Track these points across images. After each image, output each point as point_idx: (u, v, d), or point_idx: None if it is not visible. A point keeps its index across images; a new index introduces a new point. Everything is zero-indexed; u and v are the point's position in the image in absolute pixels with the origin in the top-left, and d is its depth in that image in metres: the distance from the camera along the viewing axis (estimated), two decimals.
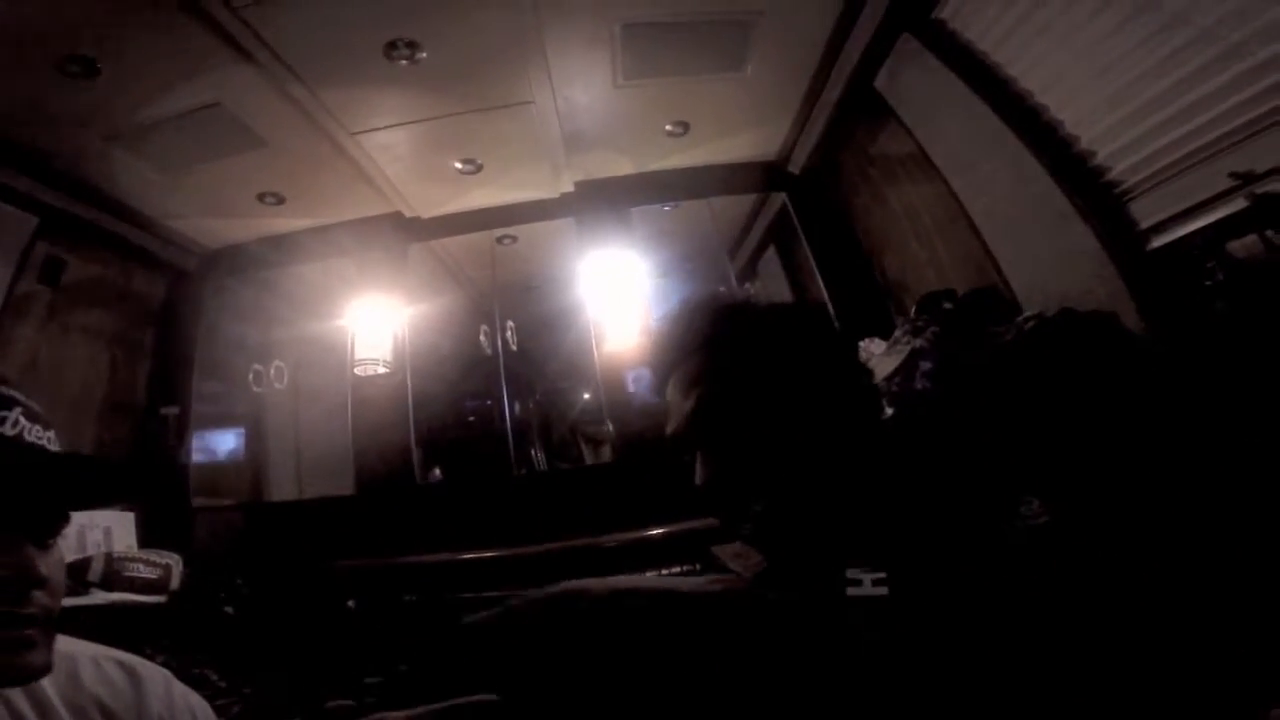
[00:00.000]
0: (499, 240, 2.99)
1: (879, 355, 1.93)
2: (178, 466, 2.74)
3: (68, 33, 1.71)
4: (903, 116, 2.12)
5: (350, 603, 2.12)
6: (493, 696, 0.62)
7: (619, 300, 2.77)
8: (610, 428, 3.03)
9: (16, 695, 0.61)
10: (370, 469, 2.76)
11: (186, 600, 2.18)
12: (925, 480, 0.71)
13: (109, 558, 2.14)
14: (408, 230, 2.82)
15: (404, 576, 2.23)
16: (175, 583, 2.26)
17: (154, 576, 2.25)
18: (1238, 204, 1.31)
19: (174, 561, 2.31)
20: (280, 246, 2.87)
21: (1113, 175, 1.56)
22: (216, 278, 2.96)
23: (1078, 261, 1.61)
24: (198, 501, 2.72)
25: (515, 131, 2.33)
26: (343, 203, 2.67)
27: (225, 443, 3.08)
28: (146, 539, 2.41)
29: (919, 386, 1.82)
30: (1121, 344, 1.41)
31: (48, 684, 0.63)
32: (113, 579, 2.15)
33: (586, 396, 3.46)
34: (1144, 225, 1.52)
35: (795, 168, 2.77)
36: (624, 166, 2.67)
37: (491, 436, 3.31)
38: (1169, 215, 1.47)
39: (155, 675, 0.72)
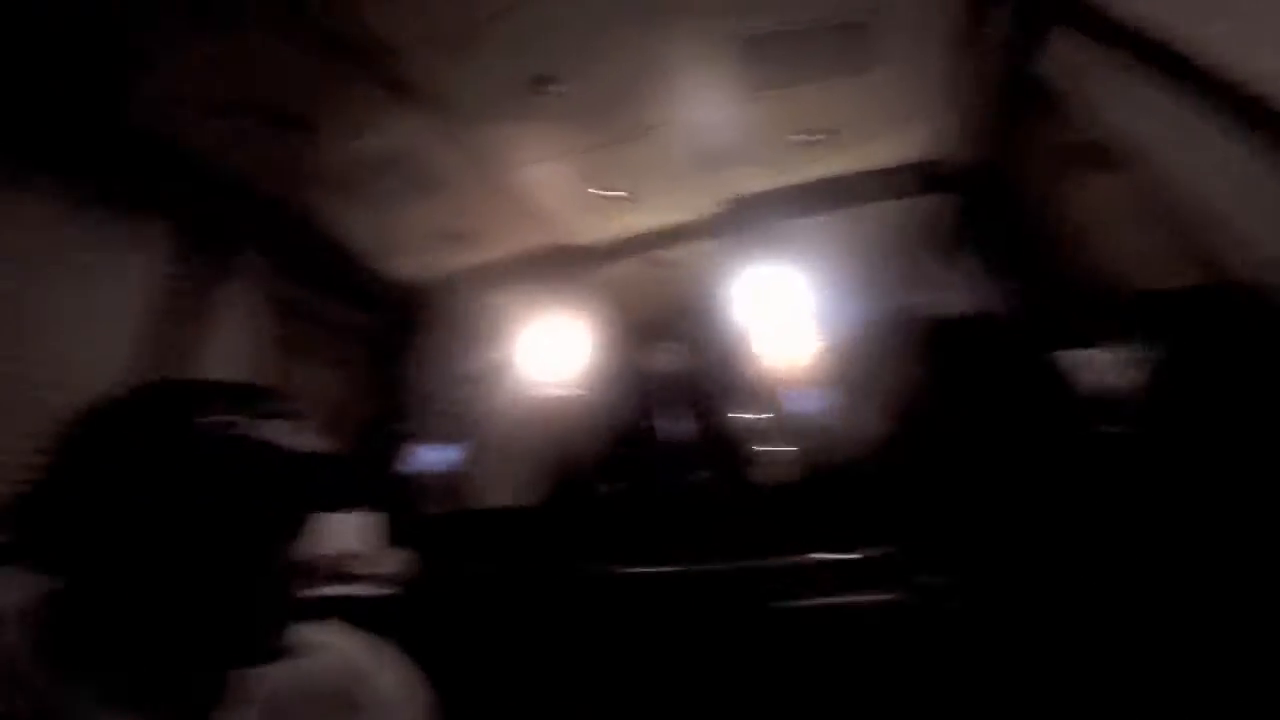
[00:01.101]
0: (658, 264, 3.07)
1: (1093, 365, 1.68)
2: (402, 476, 3.14)
3: (283, 94, 2.05)
4: (1075, 102, 1.86)
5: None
6: None
7: (781, 317, 2.71)
8: (779, 448, 2.96)
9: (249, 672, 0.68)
10: (556, 482, 2.97)
11: (408, 595, 2.45)
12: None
13: (344, 554, 2.44)
14: (575, 258, 3.00)
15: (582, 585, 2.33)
16: (401, 578, 2.56)
17: (385, 572, 2.58)
18: None
19: (398, 560, 2.63)
20: (468, 279, 3.18)
21: None
22: (421, 309, 3.34)
23: None
24: (421, 509, 3.07)
25: (656, 157, 2.40)
26: (514, 236, 2.89)
27: (437, 456, 3.46)
28: (377, 540, 2.76)
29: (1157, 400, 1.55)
30: None
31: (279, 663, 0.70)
32: (346, 574, 2.46)
33: (754, 416, 3.41)
34: None
35: (955, 167, 2.56)
36: (766, 181, 2.63)
37: (660, 455, 3.39)
38: None
39: (383, 659, 0.79)
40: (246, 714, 0.66)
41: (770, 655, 1.86)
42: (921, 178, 2.66)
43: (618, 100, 2.15)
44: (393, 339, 3.32)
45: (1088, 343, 1.70)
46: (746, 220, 2.71)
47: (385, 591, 2.35)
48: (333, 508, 0.68)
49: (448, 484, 3.31)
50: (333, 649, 0.75)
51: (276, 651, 0.63)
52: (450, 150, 2.32)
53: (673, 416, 3.42)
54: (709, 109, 2.20)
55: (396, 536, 2.70)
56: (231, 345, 2.60)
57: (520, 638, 2.16)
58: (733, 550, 2.28)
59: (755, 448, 3.20)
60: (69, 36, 1.82)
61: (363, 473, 3.00)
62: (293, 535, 0.62)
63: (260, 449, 0.59)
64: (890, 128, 2.44)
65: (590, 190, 2.58)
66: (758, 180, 2.61)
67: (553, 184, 2.53)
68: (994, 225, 2.45)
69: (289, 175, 2.45)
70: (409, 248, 2.98)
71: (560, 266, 2.99)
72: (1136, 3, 1.56)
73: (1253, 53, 1.36)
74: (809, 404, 2.80)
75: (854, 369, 2.64)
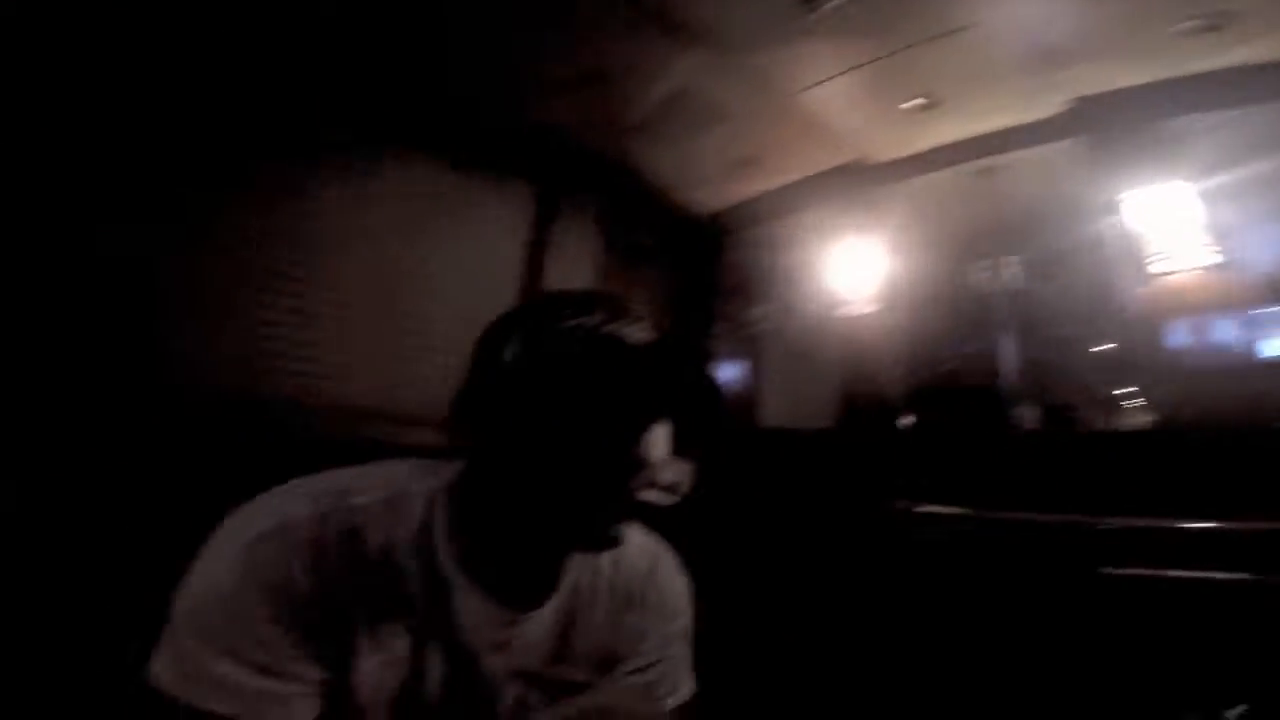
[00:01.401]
0: (980, 173, 2.65)
1: None
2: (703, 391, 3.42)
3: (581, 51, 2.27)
4: None
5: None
6: None
7: (1155, 231, 2.17)
8: (1134, 390, 2.42)
9: (585, 558, 0.76)
10: (850, 407, 2.92)
11: (690, 505, 2.72)
12: None
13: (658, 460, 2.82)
14: (874, 176, 2.77)
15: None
16: (687, 489, 2.86)
17: (674, 481, 2.90)
18: None
19: (689, 470, 2.93)
20: (763, 204, 3.18)
21: None
22: (718, 237, 3.48)
23: None
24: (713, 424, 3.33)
25: (966, 59, 2.06)
26: (808, 158, 2.78)
27: (729, 373, 3.66)
28: (673, 450, 3.10)
29: None
30: None
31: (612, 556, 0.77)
32: (652, 479, 2.85)
33: (1104, 348, 2.82)
34: None
35: None
36: (1127, 77, 2.05)
37: (973, 387, 3.05)
38: None
39: (668, 561, 0.85)
40: (556, 602, 0.73)
41: (1089, 627, 1.62)
42: None
43: (904, 6, 1.91)
44: (696, 264, 3.54)
45: None
46: (1100, 121, 2.17)
47: (674, 499, 2.62)
48: (682, 411, 0.69)
49: (739, 402, 3.49)
50: (634, 548, 0.81)
51: (608, 545, 0.67)
52: (730, 81, 2.32)
53: (993, 343, 3.01)
54: (1029, 4, 1.83)
55: (684, 447, 2.98)
56: (576, 280, 3.07)
57: (800, 564, 2.22)
58: (1052, 502, 2.01)
59: (1096, 387, 2.65)
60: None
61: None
62: (644, 431, 0.65)
63: (624, 346, 0.63)
64: None
65: (887, 102, 2.34)
66: (1114, 76, 2.08)
67: (841, 101, 2.37)
68: None
69: (602, 125, 2.72)
70: (707, 179, 3.09)
71: (859, 184, 2.80)
72: None
73: None
74: (1188, 338, 2.21)
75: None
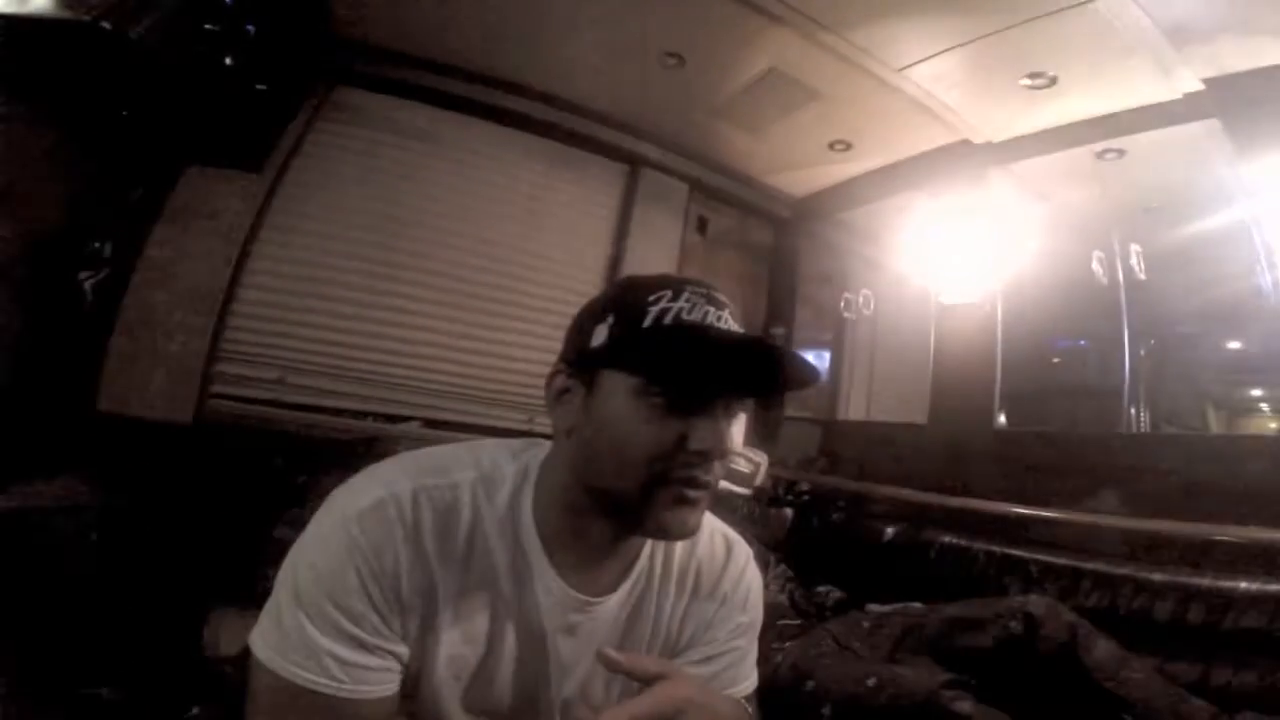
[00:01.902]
0: (1100, 155, 2.46)
1: None
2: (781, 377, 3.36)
3: (662, 34, 2.27)
4: None
5: (889, 531, 2.21)
6: None
7: None
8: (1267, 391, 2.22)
9: (658, 546, 0.75)
10: (945, 402, 2.77)
11: (763, 497, 2.68)
12: None
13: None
14: (981, 156, 2.61)
15: (945, 517, 2.20)
16: (760, 479, 2.76)
17: (748, 471, 2.79)
18: None
19: (763, 461, 2.83)
20: (855, 188, 3.07)
21: None
22: (806, 221, 3.39)
23: None
24: (788, 412, 3.27)
25: (1086, 35, 1.89)
26: (906, 140, 2.66)
27: (816, 363, 3.58)
28: (747, 438, 3.04)
29: None
30: None
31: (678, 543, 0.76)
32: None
33: (1235, 346, 2.60)
34: None
35: None
36: (1271, 54, 1.84)
37: (1081, 385, 2.86)
38: None
39: (742, 554, 0.83)
40: (628, 587, 0.74)
41: None
42: None
43: None
44: (782, 250, 3.47)
45: None
46: (1248, 100, 1.94)
47: (748, 489, 2.59)
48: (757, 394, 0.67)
49: (821, 392, 3.39)
50: (709, 537, 0.80)
51: (689, 530, 0.66)
52: (821, 60, 2.24)
53: (1121, 339, 2.79)
54: None
55: (761, 435, 2.93)
56: (662, 261, 3.09)
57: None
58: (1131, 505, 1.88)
59: (1219, 389, 2.44)
60: None
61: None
62: (731, 419, 0.64)
63: (712, 328, 0.63)
64: None
65: (997, 79, 2.19)
66: (1250, 54, 1.87)
67: (946, 80, 2.23)
68: None
69: (690, 105, 2.71)
70: (798, 162, 3.02)
71: (965, 165, 2.64)
72: None
73: None
74: None
75: None
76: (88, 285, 1.99)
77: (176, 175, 2.21)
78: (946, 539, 2.06)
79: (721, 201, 3.31)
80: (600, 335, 0.64)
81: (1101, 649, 1.44)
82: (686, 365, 0.61)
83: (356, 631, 0.60)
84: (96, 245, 2.01)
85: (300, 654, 0.59)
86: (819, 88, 2.43)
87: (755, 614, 0.83)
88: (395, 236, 2.64)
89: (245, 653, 0.62)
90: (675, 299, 0.63)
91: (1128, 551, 1.77)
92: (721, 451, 0.62)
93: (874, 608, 1.87)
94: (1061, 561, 1.80)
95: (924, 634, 1.53)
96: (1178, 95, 2.11)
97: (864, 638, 1.60)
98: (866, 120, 2.59)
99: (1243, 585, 1.50)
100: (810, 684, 1.49)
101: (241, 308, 2.36)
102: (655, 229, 3.13)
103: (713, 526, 0.81)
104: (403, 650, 0.63)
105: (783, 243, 3.45)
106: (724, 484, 2.63)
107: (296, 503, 1.97)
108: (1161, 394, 2.70)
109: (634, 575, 0.73)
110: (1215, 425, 2.50)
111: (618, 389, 0.62)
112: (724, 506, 2.35)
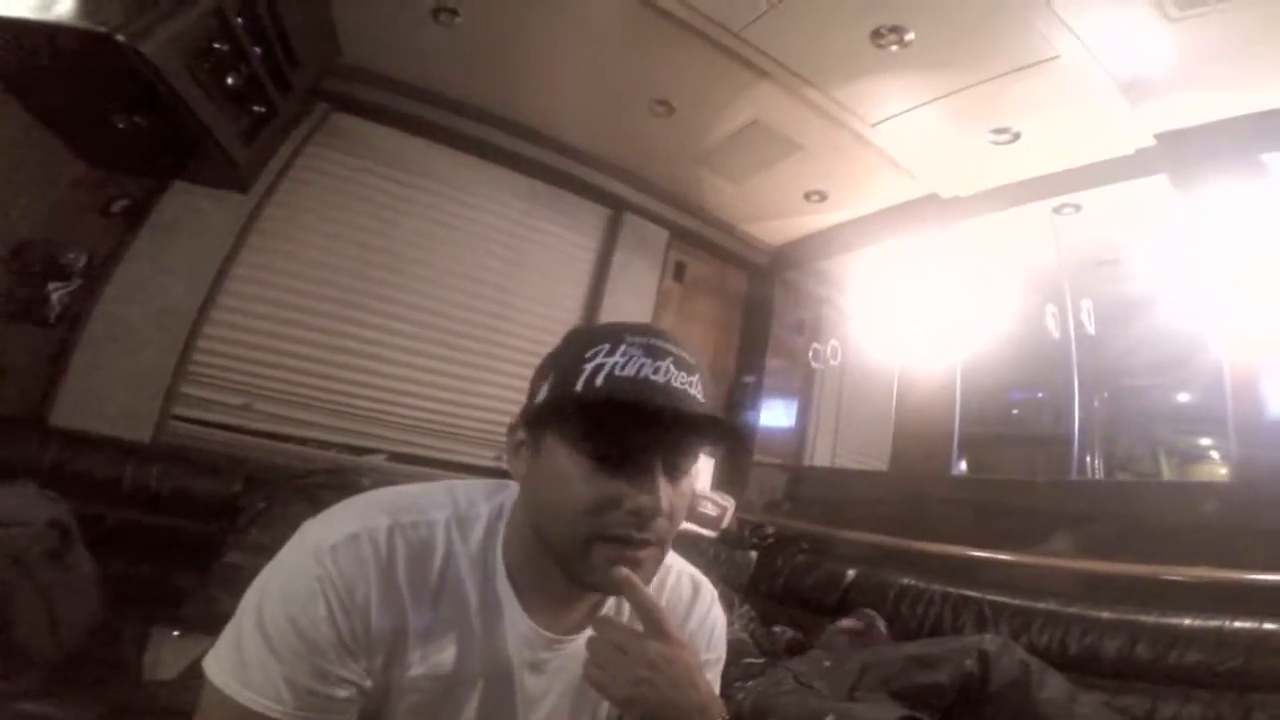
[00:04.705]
0: (1057, 210, 2.60)
1: None
2: (749, 427, 3.40)
3: (655, 82, 2.38)
4: None
5: (850, 573, 2.23)
6: None
7: (1242, 271, 2.07)
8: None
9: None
10: (907, 450, 2.84)
11: (729, 539, 2.70)
12: None
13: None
14: (947, 210, 2.74)
15: (905, 560, 2.24)
16: (726, 522, 2.79)
17: (714, 514, 2.81)
18: None
19: (730, 505, 2.84)
20: (828, 238, 3.18)
21: None
22: (781, 270, 3.49)
23: None
24: (756, 458, 3.31)
25: (1047, 92, 2.02)
26: (877, 192, 2.78)
27: (781, 410, 3.63)
28: (715, 482, 3.07)
29: None
30: None
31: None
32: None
33: (1183, 399, 2.70)
34: None
35: None
36: (1223, 109, 1.98)
37: (1037, 434, 2.95)
38: None
39: (707, 594, 0.85)
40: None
41: None
42: None
43: (980, 40, 1.92)
44: (756, 298, 3.55)
45: None
46: (1196, 155, 2.08)
47: (714, 532, 2.60)
48: (705, 449, 0.69)
49: (789, 439, 3.44)
50: (676, 578, 0.82)
51: (606, 587, 0.66)
52: (802, 114, 2.36)
53: (1071, 389, 2.89)
54: (1114, 34, 1.81)
55: (733, 481, 2.97)
56: (639, 305, 3.18)
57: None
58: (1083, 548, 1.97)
59: (1170, 438, 2.53)
60: None
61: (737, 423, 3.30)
62: (671, 476, 0.65)
63: (645, 383, 0.62)
64: None
65: (963, 135, 2.34)
66: (1210, 108, 2.01)
67: (917, 134, 2.37)
68: None
69: (674, 153, 2.82)
70: (775, 212, 3.13)
71: (935, 218, 2.77)
72: None
73: None
74: None
75: None
76: (55, 297, 1.99)
77: (163, 189, 2.22)
78: (905, 580, 2.08)
79: (700, 248, 3.40)
80: (543, 393, 0.66)
81: (1052, 686, 1.46)
82: (611, 430, 0.62)
83: (319, 662, 0.60)
84: (71, 256, 2.01)
85: (259, 680, 0.59)
86: (798, 140, 2.54)
87: (720, 652, 0.84)
88: (374, 266, 2.66)
89: (185, 676, 0.61)
90: (611, 353, 0.63)
91: (1078, 591, 1.81)
92: (656, 512, 0.63)
93: (844, 623, 1.91)
94: (1015, 602, 1.83)
95: (882, 672, 1.53)
96: (1131, 150, 2.24)
97: (824, 676, 1.60)
98: (842, 173, 2.71)
99: (1186, 622, 1.55)
100: None
101: (213, 330, 2.35)
102: (634, 273, 3.21)
103: (680, 568, 0.83)
104: (366, 684, 0.63)
105: (757, 290, 3.54)
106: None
107: (251, 529, 1.94)
108: (1116, 442, 2.79)
109: (602, 614, 0.74)
110: (1167, 472, 2.57)
111: (558, 448, 0.64)
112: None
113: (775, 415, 3.56)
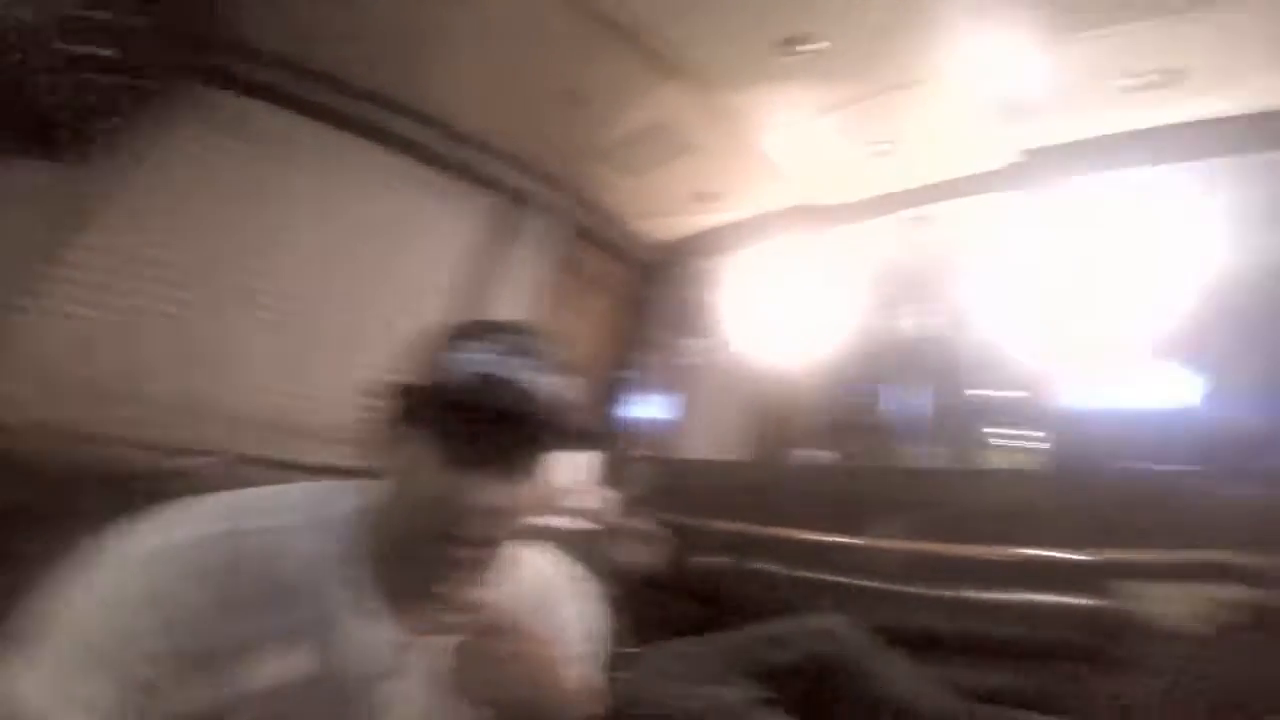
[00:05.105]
0: (919, 220, 2.85)
1: None
2: (629, 421, 3.46)
3: (563, 72, 2.32)
4: None
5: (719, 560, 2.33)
6: None
7: (1066, 286, 2.35)
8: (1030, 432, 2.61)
9: (494, 585, 0.73)
10: (767, 441, 3.01)
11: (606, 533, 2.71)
12: None
13: (565, 488, 2.61)
14: (825, 216, 2.92)
15: (767, 546, 2.37)
16: (604, 516, 2.77)
17: (591, 508, 2.80)
18: None
19: (607, 497, 2.87)
20: (715, 239, 3.29)
21: None
22: (667, 268, 3.56)
23: None
24: (637, 452, 3.36)
25: (929, 108, 2.20)
26: (764, 197, 2.90)
27: (661, 404, 3.72)
28: (600, 479, 3.08)
29: None
30: None
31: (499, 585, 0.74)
32: (564, 507, 2.59)
33: (1008, 395, 3.03)
34: None
35: None
36: (1083, 129, 2.24)
37: (890, 424, 3.21)
38: None
39: (581, 588, 0.85)
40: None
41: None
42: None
43: (880, 55, 2.04)
44: (644, 295, 3.62)
45: None
46: (1053, 172, 2.38)
47: (591, 525, 2.64)
48: (559, 449, 0.68)
49: (666, 432, 3.54)
50: (533, 574, 0.81)
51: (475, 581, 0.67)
52: (703, 116, 2.42)
53: (915, 386, 3.19)
54: (993, 56, 1.97)
55: (609, 475, 3.01)
56: (522, 300, 3.09)
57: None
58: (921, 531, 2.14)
59: (1007, 428, 2.85)
60: None
61: (591, 415, 3.33)
62: (516, 476, 0.65)
63: (507, 382, 0.63)
64: (1243, 72, 1.93)
65: (847, 145, 2.49)
66: (1072, 128, 2.27)
67: (806, 142, 2.50)
68: None
69: (569, 147, 2.78)
70: (664, 210, 3.18)
71: (808, 225, 2.94)
72: None
73: None
74: (1094, 388, 2.40)
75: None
76: None
77: None
78: (764, 568, 2.21)
79: (594, 244, 3.39)
80: (404, 389, 0.66)
81: (889, 661, 1.60)
82: (469, 429, 0.61)
83: (148, 674, 0.56)
84: None
85: (80, 700, 0.54)
86: (698, 141, 2.60)
87: (598, 645, 0.85)
88: (236, 251, 2.41)
89: None
90: (476, 350, 0.64)
91: (914, 571, 2.00)
92: (509, 510, 0.63)
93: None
94: (862, 583, 1.99)
95: (742, 655, 1.62)
96: (995, 168, 2.45)
97: (690, 662, 1.66)
98: (734, 176, 2.80)
99: (1011, 598, 1.74)
100: (638, 709, 1.53)
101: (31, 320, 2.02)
102: (524, 267, 3.14)
103: (546, 563, 0.83)
104: (204, 693, 0.59)
105: (644, 288, 3.60)
106: (567, 521, 2.66)
107: (65, 537, 1.71)
108: (954, 433, 3.10)
109: (464, 613, 0.72)
110: (994, 462, 2.89)
111: (416, 445, 0.63)
112: (567, 543, 2.34)
113: (657, 409, 3.64)
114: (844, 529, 2.30)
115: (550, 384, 0.65)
